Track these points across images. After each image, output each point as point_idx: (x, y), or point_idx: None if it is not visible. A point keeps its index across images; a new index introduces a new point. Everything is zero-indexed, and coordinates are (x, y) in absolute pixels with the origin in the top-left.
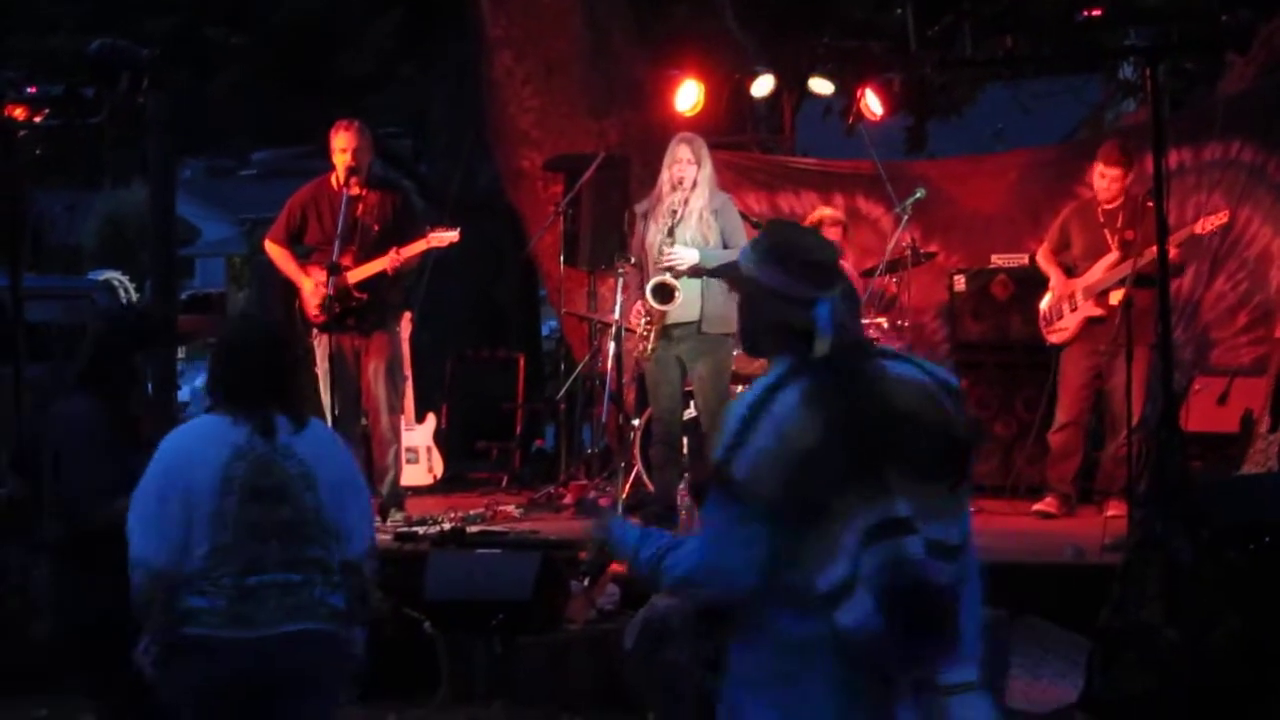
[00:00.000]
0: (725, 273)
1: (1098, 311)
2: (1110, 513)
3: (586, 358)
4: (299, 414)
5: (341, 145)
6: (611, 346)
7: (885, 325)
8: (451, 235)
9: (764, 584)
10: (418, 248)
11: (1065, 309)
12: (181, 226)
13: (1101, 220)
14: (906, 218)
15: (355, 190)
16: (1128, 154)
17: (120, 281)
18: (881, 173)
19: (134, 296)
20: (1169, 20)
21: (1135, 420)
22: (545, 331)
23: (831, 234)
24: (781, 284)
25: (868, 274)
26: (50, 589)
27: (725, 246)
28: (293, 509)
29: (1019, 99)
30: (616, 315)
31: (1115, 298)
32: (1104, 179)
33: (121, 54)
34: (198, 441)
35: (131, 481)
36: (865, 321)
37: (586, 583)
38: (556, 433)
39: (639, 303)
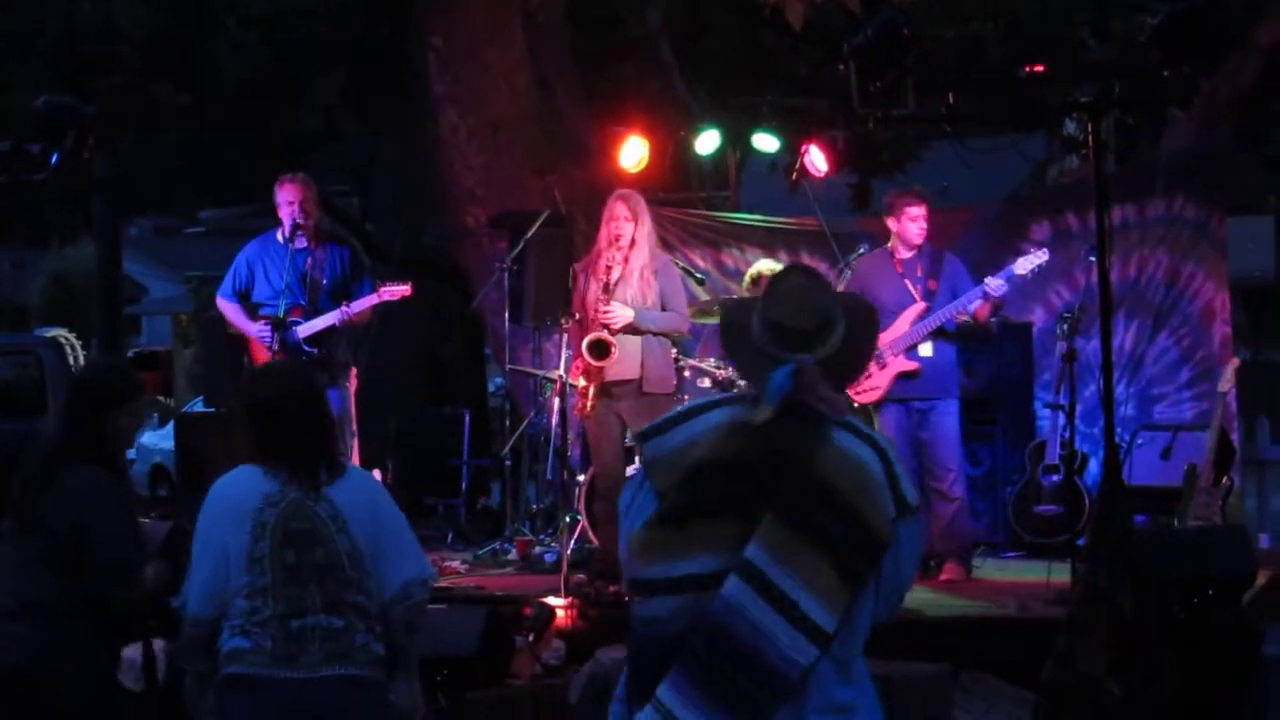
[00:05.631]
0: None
1: (910, 366)
2: (944, 576)
3: (531, 414)
4: (330, 461)
5: (289, 198)
6: (556, 403)
7: None
8: (404, 289)
9: None
10: (369, 302)
11: (873, 367)
12: (128, 284)
13: (900, 271)
14: (850, 273)
15: (303, 244)
16: (926, 193)
17: (67, 338)
18: (825, 229)
19: (80, 354)
20: (1111, 76)
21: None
22: (491, 388)
23: None
24: (755, 334)
25: None
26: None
27: (664, 308)
28: (325, 552)
29: (963, 156)
30: (561, 372)
31: (926, 350)
32: (914, 221)
33: (67, 111)
34: (232, 490)
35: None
36: None
37: (531, 638)
38: (502, 489)
39: (578, 359)
